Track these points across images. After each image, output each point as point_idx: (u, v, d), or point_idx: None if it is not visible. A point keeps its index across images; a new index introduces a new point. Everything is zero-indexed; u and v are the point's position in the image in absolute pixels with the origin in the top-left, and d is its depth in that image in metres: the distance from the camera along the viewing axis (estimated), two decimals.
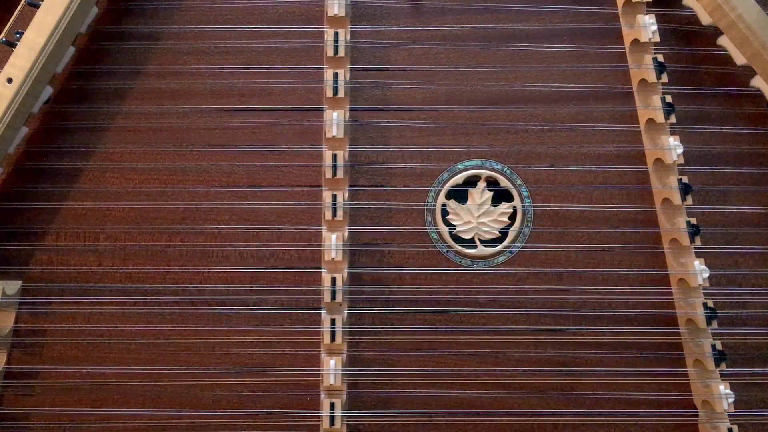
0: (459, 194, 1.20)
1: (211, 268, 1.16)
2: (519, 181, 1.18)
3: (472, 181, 1.19)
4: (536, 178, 1.19)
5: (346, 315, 1.13)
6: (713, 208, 1.18)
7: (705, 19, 1.13)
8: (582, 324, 1.16)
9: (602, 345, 1.16)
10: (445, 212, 1.19)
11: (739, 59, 1.13)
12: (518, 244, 1.18)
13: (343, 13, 1.13)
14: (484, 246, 1.18)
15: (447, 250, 1.18)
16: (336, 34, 1.13)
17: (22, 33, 1.07)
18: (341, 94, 1.14)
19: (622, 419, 1.16)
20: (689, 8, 1.16)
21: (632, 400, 1.16)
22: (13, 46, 1.07)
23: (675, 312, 1.16)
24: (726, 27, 1.12)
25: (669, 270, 1.16)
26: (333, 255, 1.12)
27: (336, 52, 1.13)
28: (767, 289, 1.17)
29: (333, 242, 1.12)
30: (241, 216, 1.17)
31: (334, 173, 1.13)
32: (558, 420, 1.16)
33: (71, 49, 1.12)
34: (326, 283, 1.12)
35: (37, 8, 1.07)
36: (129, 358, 1.16)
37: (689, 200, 1.14)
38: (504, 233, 1.18)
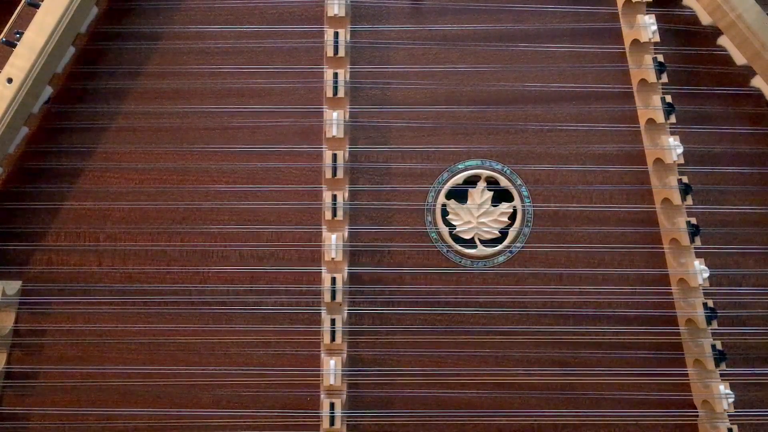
0: (459, 194, 1.19)
1: (211, 268, 1.16)
2: (519, 181, 1.18)
3: (472, 181, 1.19)
4: (536, 178, 1.19)
5: (346, 315, 1.13)
6: (713, 208, 1.18)
7: (705, 19, 1.14)
8: (582, 324, 1.16)
9: (602, 345, 1.16)
10: (445, 212, 1.19)
11: (739, 59, 1.13)
12: (518, 244, 1.18)
13: (343, 13, 1.13)
14: (484, 246, 1.18)
15: (447, 250, 1.18)
16: (336, 34, 1.13)
17: (22, 33, 1.07)
18: (341, 94, 1.14)
19: (622, 419, 1.16)
20: (689, 8, 1.16)
21: (632, 400, 1.16)
22: (13, 46, 1.07)
23: (675, 312, 1.16)
24: (726, 27, 1.12)
25: (669, 270, 1.16)
26: (333, 255, 1.12)
27: (336, 52, 1.13)
28: (767, 289, 1.18)
29: (333, 242, 1.12)
30: (241, 216, 1.17)
31: (334, 173, 1.13)
32: (558, 420, 1.16)
33: (71, 49, 1.12)
34: (326, 283, 1.12)
35: (37, 8, 1.07)
36: (129, 358, 1.16)
37: (689, 200, 1.14)
38: (504, 233, 1.18)
